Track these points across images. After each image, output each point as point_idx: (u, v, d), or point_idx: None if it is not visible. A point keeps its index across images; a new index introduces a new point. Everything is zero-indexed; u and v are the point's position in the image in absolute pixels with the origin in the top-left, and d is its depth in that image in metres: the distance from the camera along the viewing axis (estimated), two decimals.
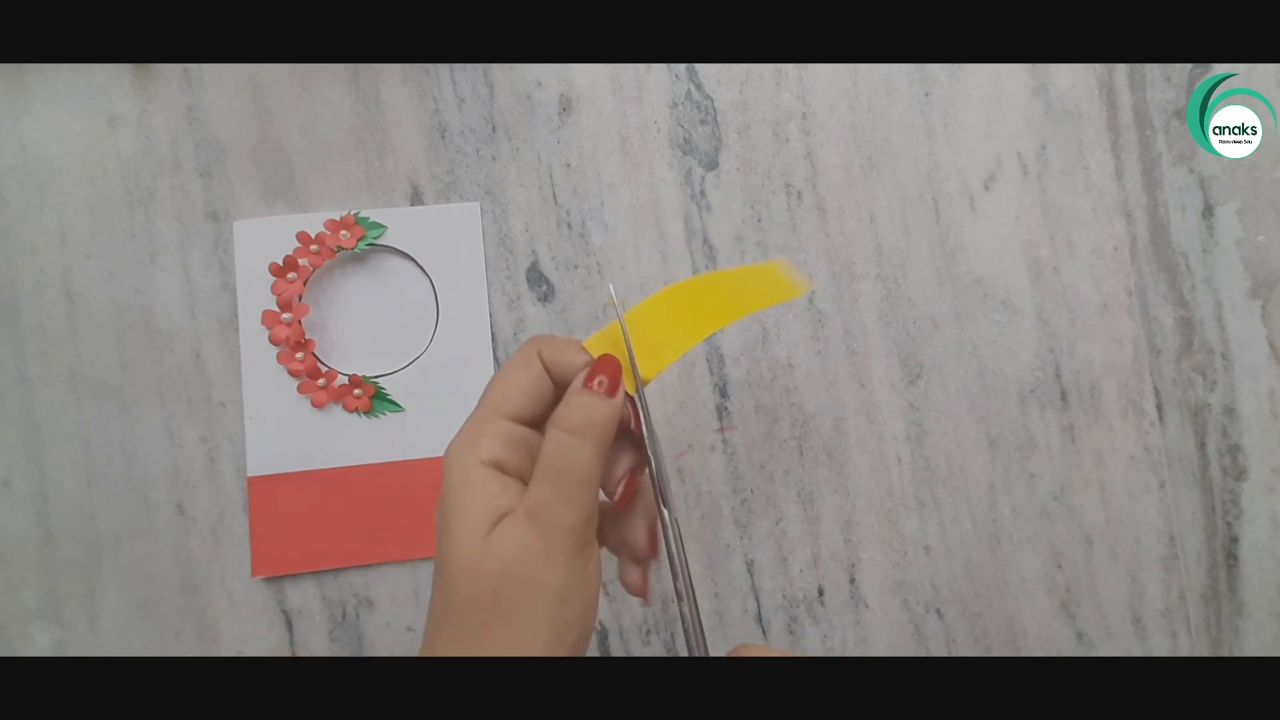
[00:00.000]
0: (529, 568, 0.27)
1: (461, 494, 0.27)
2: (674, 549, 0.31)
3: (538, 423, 0.30)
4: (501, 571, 0.27)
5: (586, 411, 0.28)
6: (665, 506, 0.32)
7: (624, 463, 0.31)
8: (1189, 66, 0.49)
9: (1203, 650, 0.47)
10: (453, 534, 0.27)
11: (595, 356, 0.30)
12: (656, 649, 0.46)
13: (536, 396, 0.30)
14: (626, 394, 0.30)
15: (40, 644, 0.44)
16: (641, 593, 0.32)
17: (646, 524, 0.32)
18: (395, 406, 0.46)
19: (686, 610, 0.31)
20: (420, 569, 0.46)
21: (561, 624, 0.27)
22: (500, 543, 0.27)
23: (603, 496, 0.31)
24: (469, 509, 0.27)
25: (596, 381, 0.29)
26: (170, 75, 0.47)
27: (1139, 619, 0.47)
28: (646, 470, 0.32)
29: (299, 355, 0.45)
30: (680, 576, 0.31)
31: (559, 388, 0.30)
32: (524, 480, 0.28)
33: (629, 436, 0.32)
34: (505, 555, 0.27)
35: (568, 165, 0.47)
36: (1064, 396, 0.48)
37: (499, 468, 0.28)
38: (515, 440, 0.29)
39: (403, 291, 0.46)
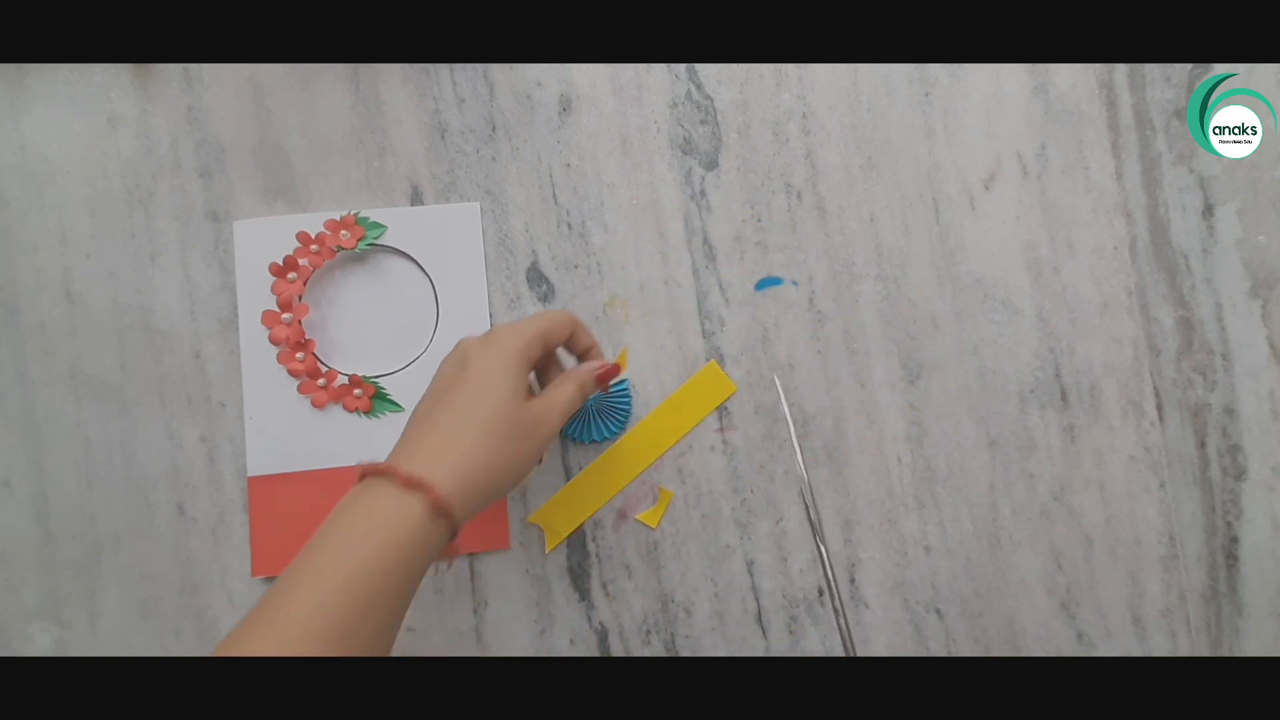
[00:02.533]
0: (522, 467, 0.37)
1: (494, 383, 0.36)
2: (828, 574, 0.46)
3: (549, 346, 0.40)
4: (506, 468, 0.36)
5: (587, 384, 0.41)
6: (821, 543, 0.46)
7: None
8: (1189, 66, 0.49)
9: (1203, 650, 0.47)
10: (473, 423, 0.35)
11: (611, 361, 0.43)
12: (656, 649, 0.46)
13: (557, 342, 0.40)
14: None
15: (40, 644, 0.44)
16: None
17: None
18: (395, 406, 0.46)
19: (840, 624, 0.46)
20: None
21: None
22: (531, 406, 0.37)
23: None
24: (495, 401, 0.36)
25: (601, 377, 0.42)
26: (170, 75, 0.47)
27: (1139, 619, 0.47)
28: (803, 495, 0.47)
29: (299, 355, 0.45)
30: (834, 597, 0.46)
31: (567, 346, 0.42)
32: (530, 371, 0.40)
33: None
34: (512, 454, 0.36)
35: (568, 165, 0.47)
36: (1064, 396, 0.48)
37: (530, 363, 0.38)
38: (540, 352, 0.39)
39: (403, 291, 0.46)
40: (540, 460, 0.40)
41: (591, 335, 0.42)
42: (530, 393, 0.38)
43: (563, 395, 0.39)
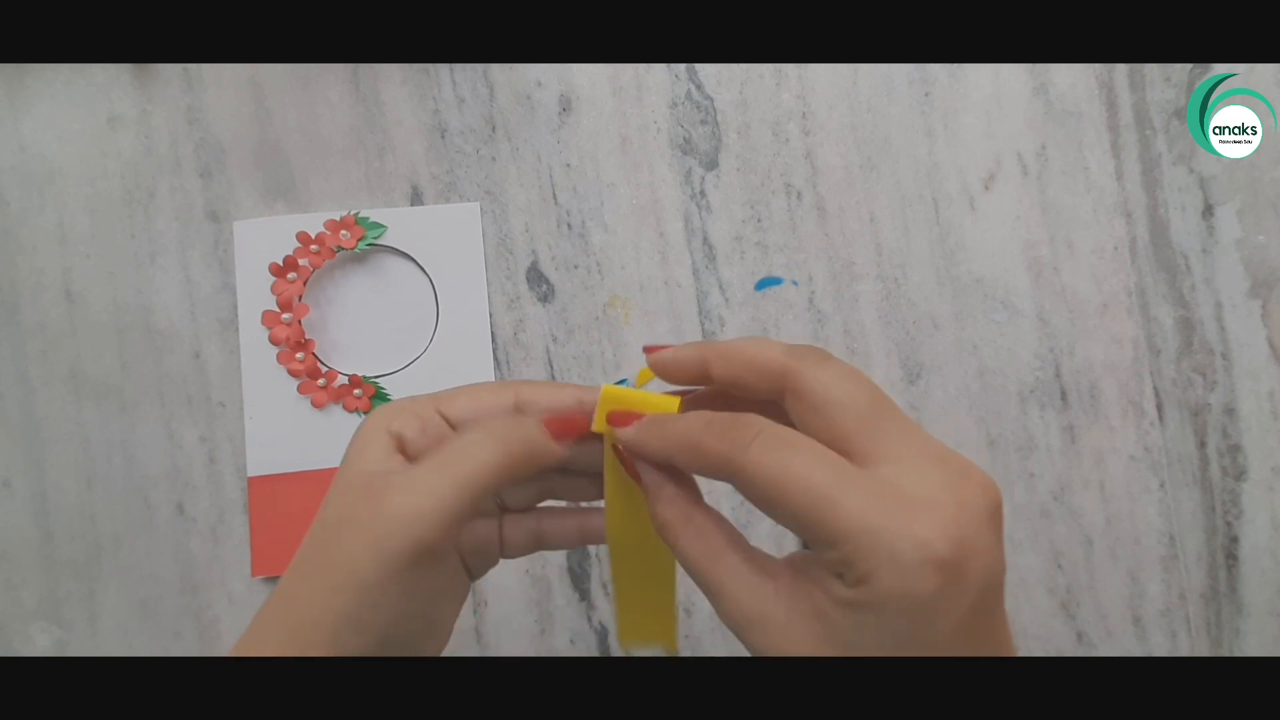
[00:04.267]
0: (357, 534, 0.25)
1: (354, 450, 0.26)
2: None
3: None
4: (339, 525, 0.25)
5: (521, 428, 0.26)
6: None
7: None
8: (1189, 66, 0.49)
9: (1203, 650, 0.47)
10: (334, 485, 0.26)
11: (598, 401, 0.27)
12: (656, 649, 0.46)
13: (486, 417, 0.27)
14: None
15: (40, 644, 0.44)
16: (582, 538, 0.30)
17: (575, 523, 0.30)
18: None
19: None
20: None
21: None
22: (356, 499, 0.25)
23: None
24: (351, 463, 0.26)
25: (552, 423, 0.26)
26: (170, 75, 0.47)
27: (1139, 619, 0.47)
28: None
29: (299, 355, 0.45)
30: None
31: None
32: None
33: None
34: (346, 511, 0.25)
35: (568, 165, 0.47)
36: (1064, 396, 0.48)
37: (400, 442, 0.26)
38: (433, 431, 0.26)
39: (403, 291, 0.46)
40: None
41: (574, 390, 0.28)
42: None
43: (448, 450, 0.25)
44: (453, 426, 0.27)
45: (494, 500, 0.30)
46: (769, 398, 0.24)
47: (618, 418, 0.26)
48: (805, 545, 0.23)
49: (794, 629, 0.22)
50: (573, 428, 0.26)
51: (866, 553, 0.20)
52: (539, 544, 0.30)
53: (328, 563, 0.25)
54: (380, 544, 0.24)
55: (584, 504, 0.30)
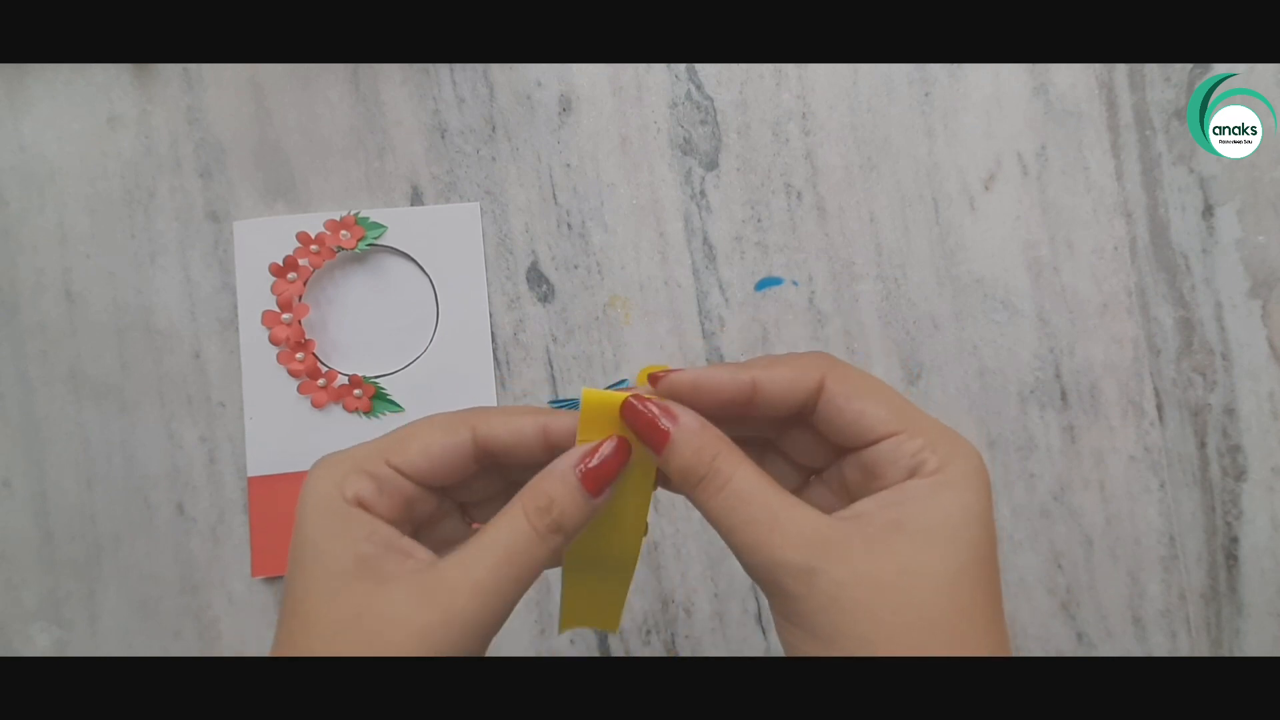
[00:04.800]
0: (408, 639, 0.22)
1: (319, 531, 0.22)
2: None
3: (433, 486, 0.25)
4: (369, 641, 0.22)
5: (562, 510, 0.22)
6: None
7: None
8: (1189, 66, 0.49)
9: (1203, 650, 0.47)
10: (308, 577, 0.22)
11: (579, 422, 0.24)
12: (656, 649, 0.46)
13: (444, 462, 0.24)
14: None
15: (40, 644, 0.44)
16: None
17: None
18: (395, 406, 0.46)
19: None
20: None
21: None
22: (380, 605, 0.21)
23: None
24: (328, 548, 0.22)
25: (589, 463, 0.22)
26: (170, 75, 0.47)
27: (1139, 619, 0.47)
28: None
29: (299, 355, 0.45)
30: None
31: (498, 459, 0.24)
32: (394, 525, 0.23)
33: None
34: (387, 611, 0.22)
35: (568, 165, 0.47)
36: (1064, 396, 0.48)
37: (363, 508, 0.23)
38: (391, 489, 0.23)
39: (403, 291, 0.46)
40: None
41: (534, 414, 0.24)
42: (399, 556, 0.23)
43: (465, 569, 0.22)
44: (408, 478, 0.24)
45: (465, 522, 0.27)
46: (788, 414, 0.25)
47: (657, 375, 0.24)
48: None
49: (854, 543, 0.22)
50: (610, 473, 0.23)
51: (946, 439, 0.23)
52: None
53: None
54: (439, 643, 0.22)
55: None
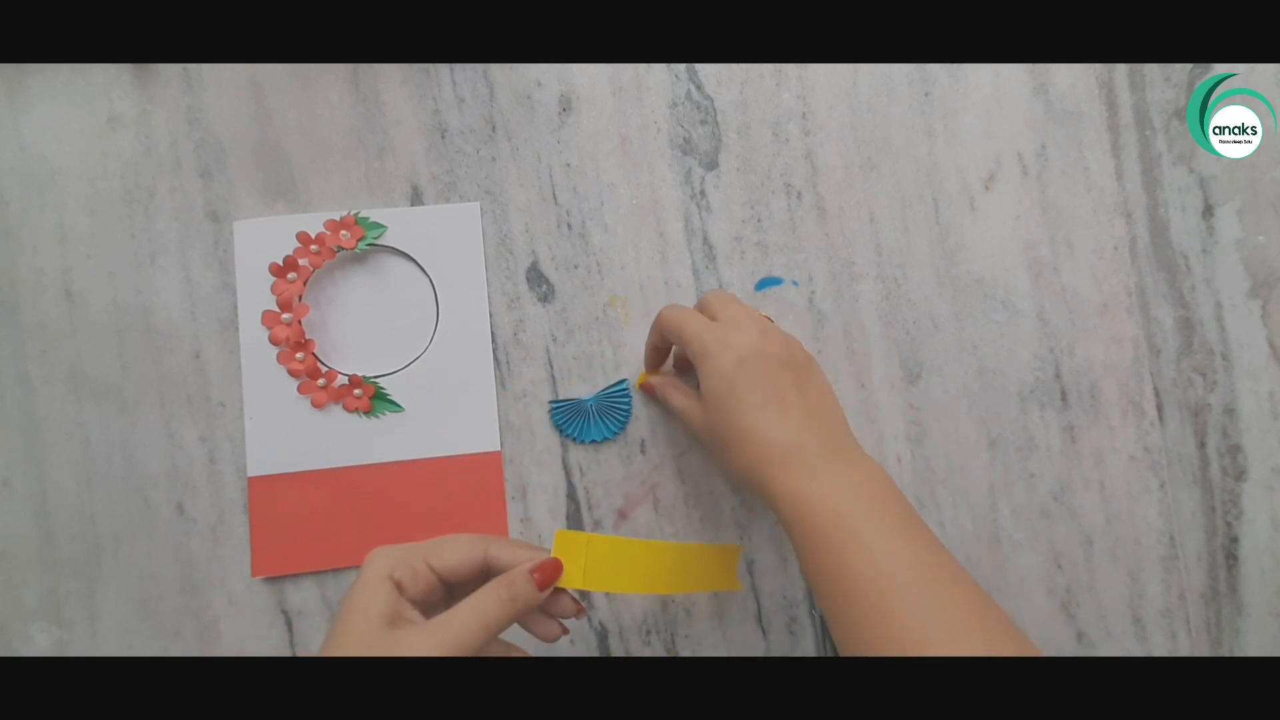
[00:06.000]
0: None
1: (367, 594, 0.33)
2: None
3: (450, 579, 0.36)
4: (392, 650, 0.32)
5: (522, 590, 0.35)
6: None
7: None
8: (1189, 66, 0.49)
9: (1203, 650, 0.47)
10: (353, 623, 0.33)
11: (551, 553, 0.37)
12: (656, 649, 0.46)
13: (464, 570, 0.36)
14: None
15: (40, 644, 0.44)
16: (558, 635, 0.38)
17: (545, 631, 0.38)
18: (395, 406, 0.46)
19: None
20: None
21: None
22: (402, 638, 0.32)
23: None
24: (371, 605, 0.33)
25: (538, 574, 0.35)
26: (170, 75, 0.47)
27: (1139, 619, 0.47)
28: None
29: (299, 355, 0.45)
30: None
31: (497, 572, 0.36)
32: (413, 603, 0.34)
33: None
34: (400, 640, 0.32)
35: (568, 165, 0.47)
36: (1064, 396, 0.48)
37: (399, 586, 0.34)
38: (424, 581, 0.35)
39: (403, 291, 0.46)
40: None
41: (529, 548, 0.37)
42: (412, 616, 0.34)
43: (458, 618, 0.33)
44: (436, 575, 0.35)
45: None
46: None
47: (653, 367, 0.46)
48: None
49: (699, 407, 0.41)
50: (551, 576, 0.36)
51: (705, 357, 0.40)
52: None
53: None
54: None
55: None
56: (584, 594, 0.46)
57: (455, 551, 0.35)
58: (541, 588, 0.35)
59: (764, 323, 0.41)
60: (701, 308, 0.42)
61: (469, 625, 0.33)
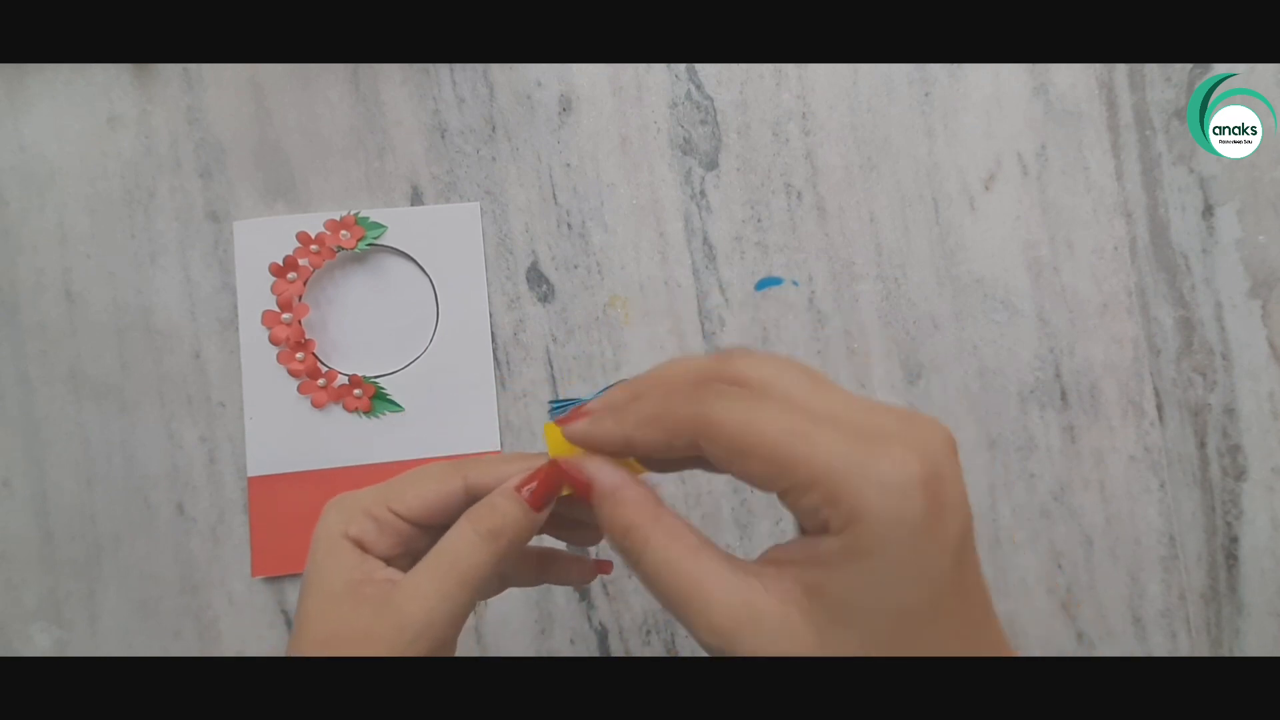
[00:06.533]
0: (374, 647, 0.25)
1: (321, 563, 0.27)
2: None
3: (426, 522, 0.28)
4: (352, 639, 0.26)
5: (503, 516, 0.26)
6: None
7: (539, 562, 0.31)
8: (1189, 66, 0.49)
9: (1203, 650, 0.47)
10: (309, 605, 0.27)
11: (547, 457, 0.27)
12: (656, 649, 0.46)
13: (438, 506, 0.27)
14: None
15: (40, 644, 0.44)
16: (593, 574, 0.31)
17: (579, 571, 0.32)
18: (395, 406, 0.46)
19: None
20: None
21: None
22: (353, 620, 0.25)
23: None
24: (326, 577, 0.26)
25: (527, 488, 0.26)
26: (170, 75, 0.47)
27: (1139, 619, 0.47)
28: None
29: (299, 355, 0.45)
30: None
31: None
32: (388, 562, 0.27)
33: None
34: (357, 625, 0.25)
35: (568, 165, 0.47)
36: (1064, 396, 0.48)
37: (360, 545, 0.27)
38: (392, 531, 0.27)
39: (403, 291, 0.46)
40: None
41: (518, 459, 0.28)
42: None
43: (443, 551, 0.26)
44: (405, 520, 0.27)
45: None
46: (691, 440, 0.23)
47: (569, 417, 0.25)
48: (801, 529, 0.22)
49: (790, 617, 0.21)
50: (548, 487, 0.26)
51: (850, 481, 0.20)
52: (542, 581, 0.32)
53: None
54: (394, 646, 0.25)
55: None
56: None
57: (421, 488, 0.27)
58: (536, 505, 0.26)
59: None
60: (739, 380, 0.23)
61: (425, 589, 0.25)
